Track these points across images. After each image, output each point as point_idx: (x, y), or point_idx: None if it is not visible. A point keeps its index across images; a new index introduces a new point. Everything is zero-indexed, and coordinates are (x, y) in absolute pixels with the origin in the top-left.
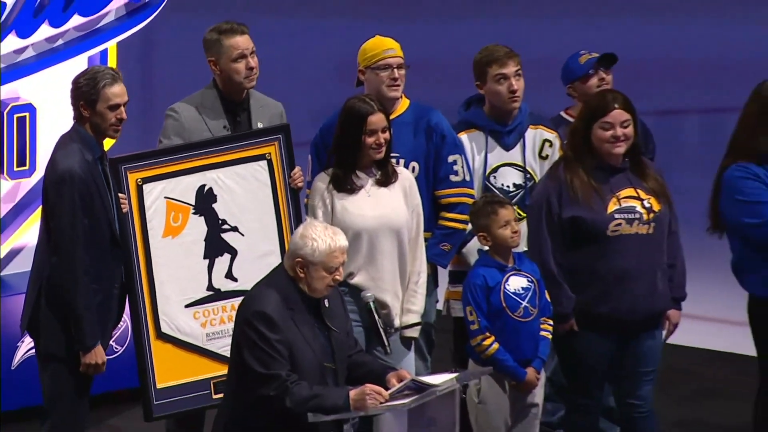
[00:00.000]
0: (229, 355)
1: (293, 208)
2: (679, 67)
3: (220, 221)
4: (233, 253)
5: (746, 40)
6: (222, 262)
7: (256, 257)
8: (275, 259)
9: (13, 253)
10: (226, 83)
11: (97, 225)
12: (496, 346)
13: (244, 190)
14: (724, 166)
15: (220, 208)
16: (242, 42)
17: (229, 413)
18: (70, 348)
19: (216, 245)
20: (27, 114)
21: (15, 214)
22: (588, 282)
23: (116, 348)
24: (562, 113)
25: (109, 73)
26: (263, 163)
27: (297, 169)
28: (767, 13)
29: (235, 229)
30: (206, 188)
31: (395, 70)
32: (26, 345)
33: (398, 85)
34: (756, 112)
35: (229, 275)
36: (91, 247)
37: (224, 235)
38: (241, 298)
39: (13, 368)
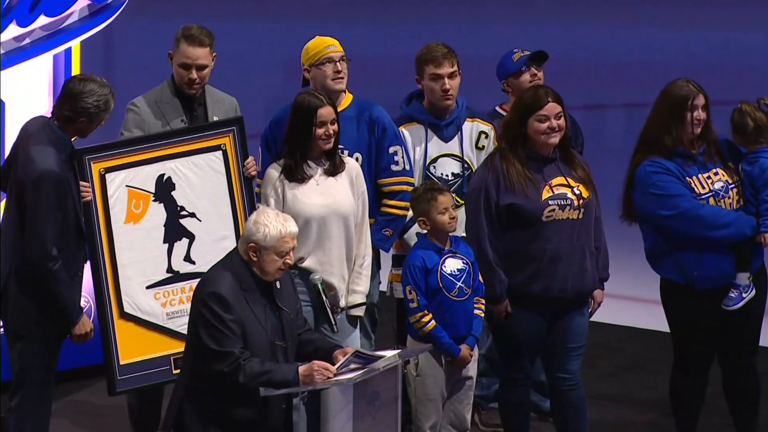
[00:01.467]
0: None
1: (247, 195)
2: (602, 66)
3: (178, 208)
4: (191, 237)
5: (663, 42)
6: (180, 246)
7: (213, 241)
8: (230, 243)
9: None
10: (176, 79)
11: (68, 217)
12: (433, 323)
13: (201, 178)
14: (636, 161)
15: (179, 196)
16: (193, 53)
17: (186, 387)
18: (38, 326)
19: (175, 230)
20: None
21: None
22: (522, 264)
23: None
24: (497, 108)
25: (112, 95)
26: (218, 154)
27: (250, 158)
28: (682, 17)
29: (192, 215)
30: (165, 177)
31: (338, 63)
32: None
33: (342, 77)
34: (664, 109)
35: (188, 258)
36: (62, 236)
37: (182, 221)
38: (199, 279)
39: None
